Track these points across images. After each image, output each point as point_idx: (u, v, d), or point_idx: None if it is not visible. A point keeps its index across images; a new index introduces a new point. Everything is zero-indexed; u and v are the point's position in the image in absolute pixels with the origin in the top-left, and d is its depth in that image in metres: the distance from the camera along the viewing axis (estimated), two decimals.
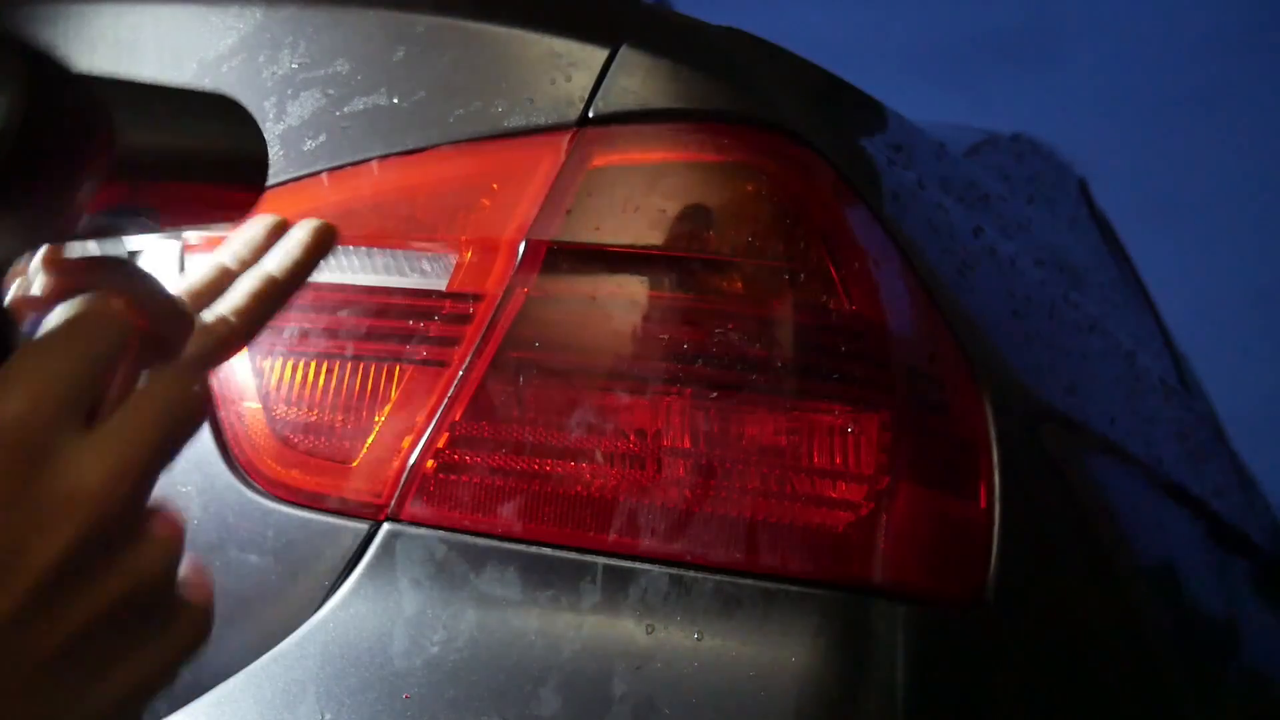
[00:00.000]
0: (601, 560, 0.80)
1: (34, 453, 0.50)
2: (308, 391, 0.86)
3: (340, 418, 0.85)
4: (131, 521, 0.53)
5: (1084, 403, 1.14)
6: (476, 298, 0.84)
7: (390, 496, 0.83)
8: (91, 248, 0.65)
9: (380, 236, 0.86)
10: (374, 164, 0.87)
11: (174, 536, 0.55)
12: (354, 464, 0.85)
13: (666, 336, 0.82)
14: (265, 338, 0.87)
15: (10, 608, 0.49)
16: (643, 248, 0.83)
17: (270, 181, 0.89)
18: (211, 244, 0.91)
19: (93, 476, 0.51)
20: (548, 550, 0.81)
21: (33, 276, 0.65)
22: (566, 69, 0.86)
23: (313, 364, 0.86)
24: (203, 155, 0.66)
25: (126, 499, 0.52)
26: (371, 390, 0.85)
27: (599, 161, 0.84)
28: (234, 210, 0.69)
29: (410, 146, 0.87)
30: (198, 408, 0.56)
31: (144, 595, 0.53)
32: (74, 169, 0.56)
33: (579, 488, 0.81)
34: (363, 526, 0.83)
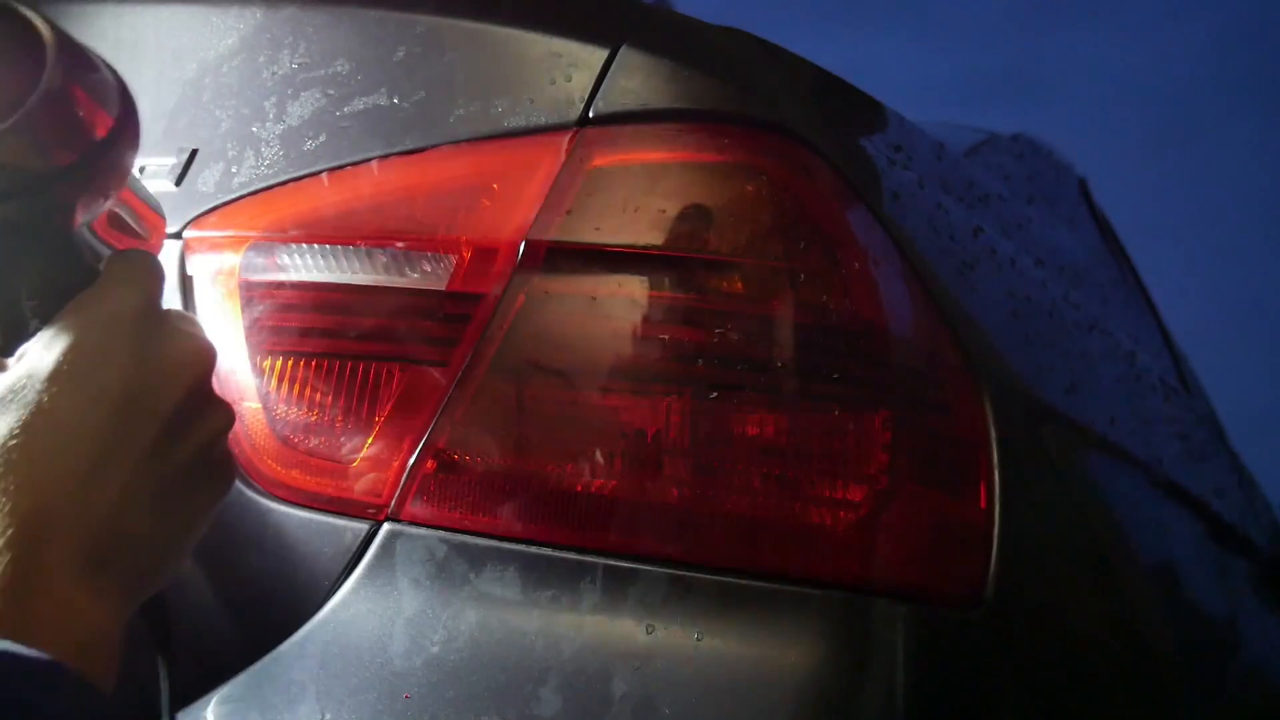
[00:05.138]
0: (601, 560, 0.80)
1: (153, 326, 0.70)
2: (308, 392, 0.86)
3: (340, 418, 0.85)
4: (210, 389, 0.72)
5: (1084, 403, 1.14)
6: (476, 298, 0.84)
7: (390, 496, 0.83)
8: None
9: (380, 236, 0.86)
10: (374, 164, 0.87)
11: (229, 409, 0.73)
12: (354, 464, 0.85)
13: (666, 336, 0.82)
14: (266, 337, 0.87)
15: (147, 439, 0.67)
16: (643, 248, 0.83)
17: (271, 182, 0.90)
18: (212, 244, 0.91)
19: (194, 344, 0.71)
20: (548, 550, 0.81)
21: None
22: (566, 69, 0.86)
23: (313, 364, 0.86)
24: None
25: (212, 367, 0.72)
26: (372, 390, 0.85)
27: (599, 161, 0.84)
28: None
29: (410, 146, 0.87)
30: None
31: (208, 450, 0.71)
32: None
33: (579, 488, 0.81)
34: (363, 526, 0.83)
